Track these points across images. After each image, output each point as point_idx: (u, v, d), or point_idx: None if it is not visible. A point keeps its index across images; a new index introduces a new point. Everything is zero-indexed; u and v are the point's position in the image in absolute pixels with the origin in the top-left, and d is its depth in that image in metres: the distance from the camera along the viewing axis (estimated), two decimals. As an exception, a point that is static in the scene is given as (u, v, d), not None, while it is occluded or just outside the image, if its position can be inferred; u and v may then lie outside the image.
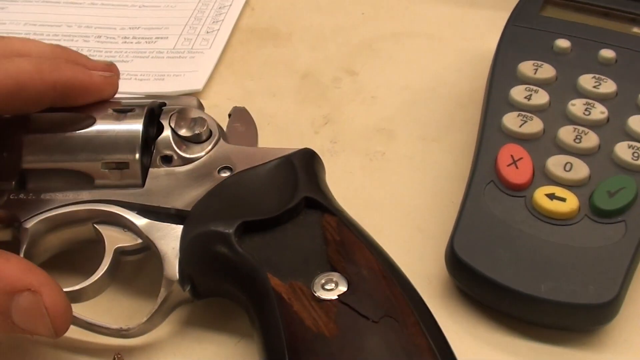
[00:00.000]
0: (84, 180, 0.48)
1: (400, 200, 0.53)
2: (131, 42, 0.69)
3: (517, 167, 0.48)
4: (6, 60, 0.46)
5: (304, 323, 0.39)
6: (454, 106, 0.61)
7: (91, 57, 0.62)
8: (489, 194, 0.48)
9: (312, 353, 0.38)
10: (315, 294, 0.40)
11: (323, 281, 0.41)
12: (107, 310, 0.47)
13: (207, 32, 0.69)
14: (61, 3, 0.74)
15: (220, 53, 0.67)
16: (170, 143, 0.48)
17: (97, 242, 0.47)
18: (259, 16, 0.71)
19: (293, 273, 0.41)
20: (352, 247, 0.42)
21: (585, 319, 0.44)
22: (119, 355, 0.44)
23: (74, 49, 0.63)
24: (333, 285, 0.40)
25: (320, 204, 0.45)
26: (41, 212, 0.47)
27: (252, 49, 0.67)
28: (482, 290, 0.45)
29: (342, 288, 0.40)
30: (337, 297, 0.40)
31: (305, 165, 0.47)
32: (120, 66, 0.61)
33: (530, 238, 0.45)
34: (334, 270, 0.41)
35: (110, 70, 0.50)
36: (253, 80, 0.61)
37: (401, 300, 0.40)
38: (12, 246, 0.46)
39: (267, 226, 0.44)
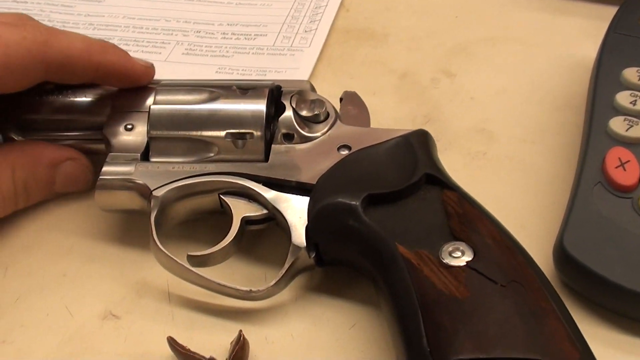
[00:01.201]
0: (206, 153, 0.51)
1: (502, 198, 0.53)
2: (230, 38, 0.71)
3: (624, 170, 0.50)
4: (61, 33, 0.51)
5: (435, 286, 0.42)
6: (550, 110, 0.62)
7: (191, 52, 0.66)
8: (597, 194, 0.49)
9: (446, 312, 0.40)
10: (444, 261, 0.43)
11: (450, 249, 0.43)
12: (232, 276, 0.50)
13: (306, 31, 0.71)
14: (158, -3, 0.76)
15: (319, 51, 0.69)
16: (292, 122, 0.52)
17: (219, 214, 0.51)
18: (353, 17, 0.73)
19: (418, 242, 0.44)
20: (474, 219, 0.45)
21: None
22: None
23: (174, 42, 0.66)
24: (460, 253, 0.43)
25: (440, 180, 0.47)
26: (171, 182, 0.50)
27: (349, 49, 0.70)
28: (590, 286, 0.47)
29: (469, 256, 0.43)
30: (465, 263, 0.42)
31: (422, 144, 0.50)
32: (221, 61, 0.65)
33: (637, 238, 0.47)
34: (459, 240, 0.44)
35: (151, 66, 0.55)
36: (353, 79, 0.62)
37: (524, 267, 0.42)
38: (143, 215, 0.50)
39: (391, 200, 0.46)
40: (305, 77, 0.65)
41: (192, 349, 0.45)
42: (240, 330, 0.45)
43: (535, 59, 0.67)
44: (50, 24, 0.67)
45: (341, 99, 0.56)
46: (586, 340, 0.40)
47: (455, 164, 0.56)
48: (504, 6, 0.73)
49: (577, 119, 0.58)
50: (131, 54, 0.66)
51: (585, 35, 0.62)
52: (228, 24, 0.73)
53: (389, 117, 0.60)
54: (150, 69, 0.55)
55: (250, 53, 0.69)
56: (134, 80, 0.54)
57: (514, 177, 0.57)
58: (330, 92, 0.57)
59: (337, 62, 0.68)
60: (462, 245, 0.43)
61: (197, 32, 0.72)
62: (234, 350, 0.45)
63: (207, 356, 0.45)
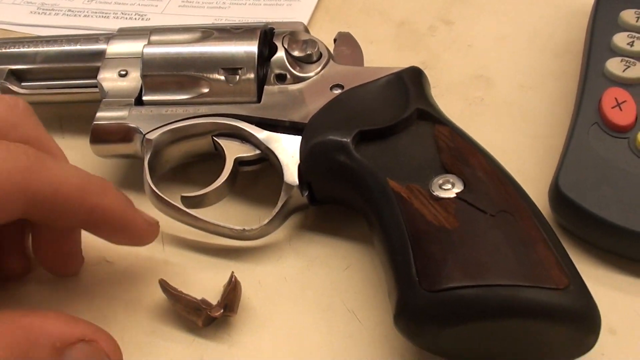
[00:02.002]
0: (200, 93, 0.51)
1: (499, 143, 0.53)
2: (227, -10, 0.70)
3: (621, 110, 0.50)
4: (53, 162, 0.41)
5: (425, 218, 0.42)
6: (549, 56, 0.62)
7: (187, 4, 0.65)
8: (593, 135, 0.49)
9: (435, 243, 0.41)
10: (434, 194, 0.43)
11: (440, 182, 0.43)
12: (226, 216, 0.49)
13: (302, -19, 0.70)
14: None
15: (316, 1, 0.68)
16: (284, 62, 0.52)
17: (213, 156, 0.51)
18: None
19: (410, 176, 0.44)
20: (465, 152, 0.45)
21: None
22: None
23: None
24: (450, 185, 0.43)
25: (432, 115, 0.47)
26: (164, 125, 0.50)
27: (346, -3, 0.69)
28: (586, 226, 0.47)
29: (459, 188, 0.43)
30: (455, 194, 0.43)
31: (414, 80, 0.50)
32: (218, 12, 0.64)
33: (633, 177, 0.47)
34: (449, 172, 0.44)
35: (156, 224, 0.46)
36: (350, 27, 0.62)
37: (515, 198, 0.42)
38: (137, 161, 0.51)
39: (382, 135, 0.47)
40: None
41: (184, 292, 0.45)
42: (232, 272, 0.45)
43: (534, 5, 0.67)
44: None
45: (335, 40, 0.56)
46: (576, 268, 0.40)
47: (452, 109, 0.55)
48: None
49: (576, 65, 0.58)
50: (128, 6, 0.67)
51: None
52: (225, -24, 0.72)
53: (387, 65, 0.59)
54: (154, 226, 0.46)
55: (247, 4, 0.69)
56: (131, 237, 0.45)
57: (511, 122, 0.57)
58: (327, 42, 0.56)
59: (335, 11, 0.67)
60: (453, 178, 0.43)
61: (194, -17, 0.72)
62: (225, 292, 0.45)
63: (199, 298, 0.44)
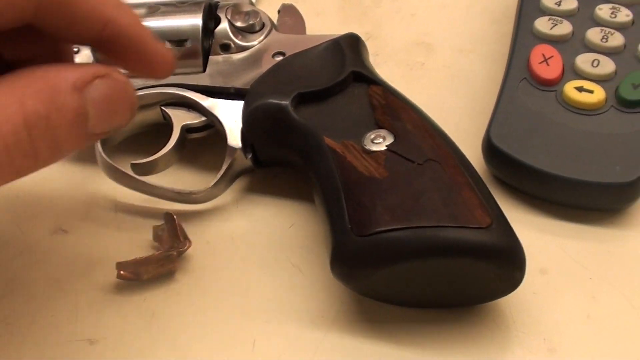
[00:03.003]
0: None
1: (439, 104, 0.55)
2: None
3: (548, 65, 0.52)
4: None
5: (356, 169, 0.44)
6: (488, 21, 0.64)
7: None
8: (522, 89, 0.51)
9: (366, 191, 0.43)
10: (366, 147, 0.45)
11: (372, 137, 0.46)
12: (176, 183, 0.51)
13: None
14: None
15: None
16: (228, 33, 0.54)
17: (164, 125, 0.53)
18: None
19: (345, 134, 0.46)
20: (397, 108, 0.47)
21: (613, 197, 0.48)
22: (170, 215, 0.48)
23: None
24: (381, 139, 0.45)
25: (366, 76, 0.50)
26: None
27: (295, -29, 0.70)
28: (516, 175, 0.49)
29: (389, 140, 0.45)
30: (385, 147, 0.45)
31: (351, 45, 0.52)
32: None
33: (561, 127, 0.49)
34: (381, 127, 0.46)
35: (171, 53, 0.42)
36: (297, 1, 0.63)
37: (442, 147, 0.45)
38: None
39: (320, 97, 0.49)
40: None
41: (138, 257, 0.47)
42: (164, 212, 0.48)
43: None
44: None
45: (279, 11, 0.58)
46: (502, 210, 0.42)
47: (394, 75, 0.58)
48: None
49: (512, 28, 0.59)
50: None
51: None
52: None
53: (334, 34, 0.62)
54: (170, 55, 0.41)
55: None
56: (146, 63, 0.41)
57: (450, 84, 0.59)
58: (274, 16, 0.58)
59: (283, -15, 0.69)
60: (384, 132, 0.46)
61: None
62: (176, 228, 0.47)
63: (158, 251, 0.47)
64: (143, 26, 0.40)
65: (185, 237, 0.47)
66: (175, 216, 0.48)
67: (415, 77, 0.59)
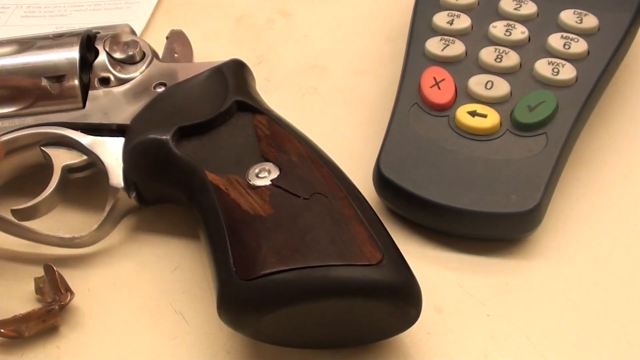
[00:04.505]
0: (25, 104, 0.51)
1: (332, 131, 0.54)
2: (69, -4, 0.70)
3: (439, 88, 0.50)
4: None
5: (240, 207, 0.42)
6: (384, 40, 0.63)
7: (30, 14, 0.64)
8: (413, 115, 0.49)
9: (251, 231, 0.41)
10: (250, 182, 0.43)
11: (257, 171, 0.44)
12: (60, 227, 0.49)
13: (142, -18, 0.70)
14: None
15: (156, 2, 0.68)
16: (106, 65, 0.51)
17: (46, 167, 0.50)
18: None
19: (229, 168, 0.44)
20: (281, 139, 0.45)
21: (510, 227, 0.46)
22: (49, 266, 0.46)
23: (14, 6, 0.67)
24: (266, 173, 0.44)
25: (251, 105, 0.48)
26: None
27: (187, -3, 0.69)
28: (409, 206, 0.47)
29: (275, 174, 0.43)
30: (270, 182, 0.43)
31: (234, 72, 0.50)
32: (60, 20, 0.65)
33: (454, 154, 0.47)
34: (267, 160, 0.44)
35: None
36: (189, 25, 0.61)
37: (329, 179, 0.43)
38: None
39: (202, 130, 0.47)
40: (139, 29, 0.64)
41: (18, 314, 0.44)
42: (44, 264, 0.46)
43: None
44: None
45: (167, 37, 0.57)
46: (394, 243, 0.41)
47: (286, 101, 0.57)
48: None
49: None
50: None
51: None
52: (67, -17, 0.72)
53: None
54: None
55: (88, 10, 0.68)
56: None
57: (344, 108, 0.57)
58: (165, 43, 0.56)
59: (175, 11, 0.67)
60: (269, 165, 0.44)
61: (37, -8, 0.71)
62: (57, 280, 0.45)
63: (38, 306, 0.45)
64: None
65: (67, 289, 0.45)
66: (54, 268, 0.45)
67: (309, 103, 0.57)
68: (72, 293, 0.45)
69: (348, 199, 0.42)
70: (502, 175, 0.46)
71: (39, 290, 0.46)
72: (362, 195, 0.43)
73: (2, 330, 0.44)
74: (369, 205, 0.43)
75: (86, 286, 0.47)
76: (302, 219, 0.41)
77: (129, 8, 0.67)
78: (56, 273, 0.45)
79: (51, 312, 0.44)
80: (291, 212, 0.41)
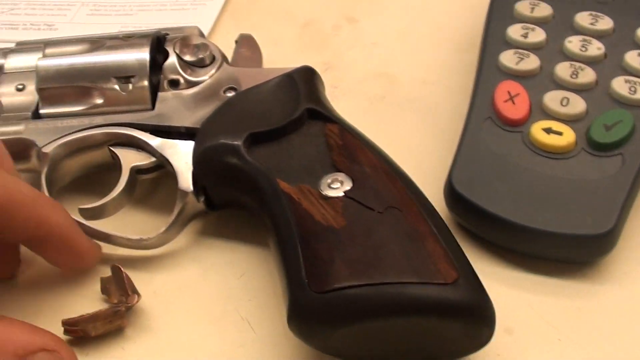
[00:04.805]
0: (95, 103, 0.51)
1: (400, 141, 0.53)
2: (135, -6, 0.70)
3: (514, 103, 0.49)
4: (6, 172, 0.42)
5: (313, 218, 0.41)
6: (453, 50, 0.61)
7: (95, 12, 0.64)
8: (486, 130, 0.48)
9: (323, 243, 0.40)
10: (323, 193, 0.43)
11: (329, 181, 0.43)
12: (127, 227, 0.49)
13: (210, -16, 0.70)
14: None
15: (222, 4, 0.68)
16: (176, 67, 0.51)
17: (114, 166, 0.50)
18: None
19: (300, 177, 0.44)
20: (354, 149, 0.45)
21: (584, 250, 0.45)
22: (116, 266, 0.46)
23: (80, 3, 0.66)
24: (339, 184, 0.43)
25: (322, 114, 0.47)
26: (59, 138, 0.50)
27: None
28: (480, 223, 0.46)
29: (348, 186, 0.43)
30: (343, 193, 0.42)
31: (305, 80, 0.50)
32: (125, 19, 0.64)
33: (527, 172, 0.46)
34: (339, 171, 0.44)
35: (98, 247, 0.47)
36: (255, 29, 0.61)
37: (403, 193, 0.42)
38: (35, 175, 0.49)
39: (273, 137, 0.46)
40: (206, 31, 0.64)
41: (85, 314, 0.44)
42: (111, 265, 0.46)
43: (440, -1, 0.66)
44: None
45: (236, 42, 0.56)
46: (469, 262, 0.40)
47: (354, 109, 0.56)
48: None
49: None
50: (37, 17, 0.66)
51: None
52: (133, -19, 0.72)
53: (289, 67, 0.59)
54: (97, 250, 0.47)
55: (154, 10, 0.68)
56: (74, 258, 0.45)
57: (413, 118, 0.56)
58: (232, 44, 0.56)
59: (241, 13, 0.67)
60: (341, 176, 0.43)
61: (103, -11, 0.71)
62: (124, 281, 0.45)
63: (105, 307, 0.45)
64: (73, 224, 0.44)
65: (134, 291, 0.45)
66: (122, 269, 0.45)
67: (376, 112, 0.57)
68: (138, 295, 0.45)
69: (423, 214, 0.41)
70: (576, 196, 0.45)
71: (105, 290, 0.46)
72: (436, 211, 0.43)
73: (68, 328, 0.44)
74: (443, 221, 0.42)
75: (152, 289, 0.46)
76: (376, 232, 0.40)
77: (195, 9, 0.67)
78: (124, 274, 0.45)
79: (118, 314, 0.44)
80: (365, 225, 0.41)
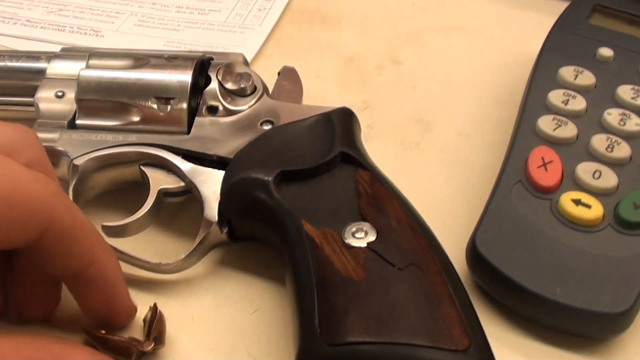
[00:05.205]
0: (131, 120, 0.51)
1: (429, 191, 0.53)
2: (184, 12, 0.71)
3: (546, 170, 0.49)
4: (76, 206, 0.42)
5: (333, 266, 0.41)
6: (492, 104, 0.61)
7: (143, 23, 0.65)
8: (515, 193, 0.48)
9: (340, 293, 0.40)
10: (346, 241, 0.42)
11: (354, 230, 0.43)
12: (147, 248, 0.49)
13: (259, 10, 0.70)
14: (121, -33, 0.75)
15: (269, 31, 0.68)
16: (217, 94, 0.51)
17: (141, 184, 0.50)
18: (311, -2, 0.72)
19: (326, 221, 0.44)
20: (383, 200, 0.45)
21: (599, 327, 0.44)
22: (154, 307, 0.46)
23: (128, 13, 0.65)
24: (363, 234, 0.43)
25: (355, 159, 0.47)
26: (92, 151, 0.50)
27: (301, 30, 0.69)
28: (499, 288, 0.46)
29: (372, 237, 0.43)
30: (366, 244, 0.42)
31: (343, 122, 0.50)
32: (171, 34, 0.65)
33: (552, 241, 0.45)
34: (365, 220, 0.44)
35: (135, 307, 0.45)
36: (299, 60, 0.61)
37: (426, 251, 0.42)
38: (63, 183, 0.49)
39: (304, 177, 0.46)
40: (250, 56, 0.64)
41: (110, 334, 0.44)
42: (155, 304, 0.45)
43: (485, 50, 0.66)
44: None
45: (279, 73, 0.56)
46: (482, 329, 0.40)
47: (386, 153, 0.56)
48: (466, -4, 0.72)
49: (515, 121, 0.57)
50: (85, 21, 0.67)
51: (540, 30, 0.60)
52: (185, -3, 0.72)
53: (328, 102, 0.58)
54: (134, 309, 0.45)
55: (201, 28, 0.69)
56: (113, 306, 0.44)
57: (444, 170, 0.56)
58: (273, 73, 0.57)
59: (286, 43, 0.67)
60: (366, 226, 0.43)
61: (152, 3, 0.72)
62: (152, 324, 0.44)
63: (126, 337, 0.44)
64: (121, 275, 0.43)
65: (158, 337, 0.44)
66: (159, 310, 0.45)
67: (409, 158, 0.57)
68: (161, 343, 0.44)
69: (442, 275, 0.41)
70: (598, 271, 0.45)
71: (145, 318, 0.46)
72: (456, 272, 0.42)
73: (85, 332, 0.44)
74: (462, 284, 0.42)
75: (164, 313, 0.46)
76: (394, 290, 0.40)
77: (242, 33, 0.67)
78: (157, 317, 0.44)
79: (128, 350, 0.43)
80: (384, 280, 0.41)
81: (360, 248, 0.42)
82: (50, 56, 0.54)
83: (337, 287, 0.41)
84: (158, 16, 0.70)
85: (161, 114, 0.50)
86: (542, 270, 0.45)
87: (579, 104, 0.53)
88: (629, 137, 0.51)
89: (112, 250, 0.43)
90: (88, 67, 0.52)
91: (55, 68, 0.54)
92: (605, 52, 0.56)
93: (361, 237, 0.43)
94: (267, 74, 0.56)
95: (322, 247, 0.42)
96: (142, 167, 0.50)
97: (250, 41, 0.66)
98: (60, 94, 0.52)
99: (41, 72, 0.54)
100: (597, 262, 0.45)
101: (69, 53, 0.55)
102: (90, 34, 0.68)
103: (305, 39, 0.67)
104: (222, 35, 0.67)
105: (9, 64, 0.55)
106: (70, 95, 0.52)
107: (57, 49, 0.56)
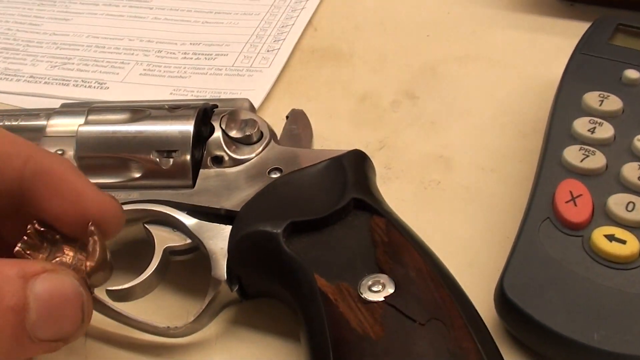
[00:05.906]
0: (133, 176, 0.49)
1: (452, 232, 0.50)
2: (191, 58, 0.69)
3: (575, 205, 0.46)
4: None
5: (349, 324, 0.38)
6: (515, 135, 0.58)
7: (149, 72, 0.63)
8: (544, 232, 0.45)
9: (357, 354, 0.37)
10: (362, 296, 0.40)
11: (370, 283, 0.40)
12: (155, 309, 0.47)
13: (268, 51, 0.68)
14: (125, 17, 0.76)
15: (278, 73, 0.66)
16: (221, 144, 0.49)
17: (148, 242, 0.48)
18: (321, 36, 0.70)
19: (340, 274, 0.41)
20: (400, 249, 0.42)
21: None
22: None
23: (133, 62, 0.63)
24: (380, 287, 0.40)
25: (369, 205, 0.44)
26: None
27: (311, 69, 0.67)
28: (531, 334, 0.43)
29: (389, 290, 0.40)
30: (383, 298, 0.39)
31: (355, 166, 0.47)
32: (178, 82, 0.62)
33: (585, 281, 0.42)
34: (382, 272, 0.41)
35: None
36: (310, 101, 0.59)
37: (449, 303, 0.39)
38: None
39: (316, 227, 0.43)
40: (259, 99, 0.61)
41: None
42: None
43: (505, 80, 0.63)
44: (15, 43, 0.70)
45: (287, 117, 0.54)
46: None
47: (405, 193, 0.53)
48: (480, 24, 0.69)
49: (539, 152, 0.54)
50: (89, 74, 0.65)
51: (562, 55, 0.57)
52: (191, 43, 0.71)
53: (342, 142, 0.57)
54: (115, 205, 0.42)
55: (208, 74, 0.66)
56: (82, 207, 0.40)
57: (468, 208, 0.53)
58: (284, 115, 0.54)
59: (297, 83, 0.65)
60: (384, 278, 0.40)
61: (158, 51, 0.70)
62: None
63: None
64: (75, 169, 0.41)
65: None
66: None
67: (430, 198, 0.54)
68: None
69: (468, 328, 0.38)
70: (636, 312, 0.41)
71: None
72: (484, 323, 0.39)
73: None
74: (490, 336, 0.39)
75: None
76: (415, 347, 0.37)
77: (251, 76, 0.65)
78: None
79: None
80: (404, 338, 0.38)
81: (377, 303, 0.39)
82: (50, 113, 0.52)
83: (353, 347, 0.38)
84: (164, 64, 0.68)
85: (164, 167, 0.48)
86: (576, 314, 0.42)
87: (606, 131, 0.50)
88: (663, 163, 0.47)
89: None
90: (87, 122, 0.50)
91: (55, 125, 0.52)
92: (632, 74, 0.53)
93: (378, 290, 0.40)
94: (277, 118, 0.54)
95: (337, 303, 0.39)
96: (146, 225, 0.48)
97: (259, 84, 0.64)
98: (60, 152, 0.50)
99: (41, 130, 0.52)
100: (635, 303, 0.42)
101: (68, 109, 0.53)
102: (95, 87, 0.66)
103: (316, 79, 0.65)
104: (230, 79, 0.65)
105: (8, 123, 0.53)
106: (70, 152, 0.50)
107: (60, 103, 0.54)
